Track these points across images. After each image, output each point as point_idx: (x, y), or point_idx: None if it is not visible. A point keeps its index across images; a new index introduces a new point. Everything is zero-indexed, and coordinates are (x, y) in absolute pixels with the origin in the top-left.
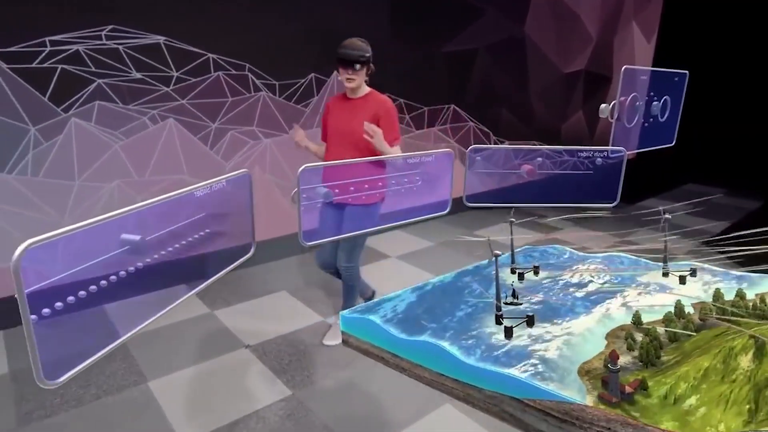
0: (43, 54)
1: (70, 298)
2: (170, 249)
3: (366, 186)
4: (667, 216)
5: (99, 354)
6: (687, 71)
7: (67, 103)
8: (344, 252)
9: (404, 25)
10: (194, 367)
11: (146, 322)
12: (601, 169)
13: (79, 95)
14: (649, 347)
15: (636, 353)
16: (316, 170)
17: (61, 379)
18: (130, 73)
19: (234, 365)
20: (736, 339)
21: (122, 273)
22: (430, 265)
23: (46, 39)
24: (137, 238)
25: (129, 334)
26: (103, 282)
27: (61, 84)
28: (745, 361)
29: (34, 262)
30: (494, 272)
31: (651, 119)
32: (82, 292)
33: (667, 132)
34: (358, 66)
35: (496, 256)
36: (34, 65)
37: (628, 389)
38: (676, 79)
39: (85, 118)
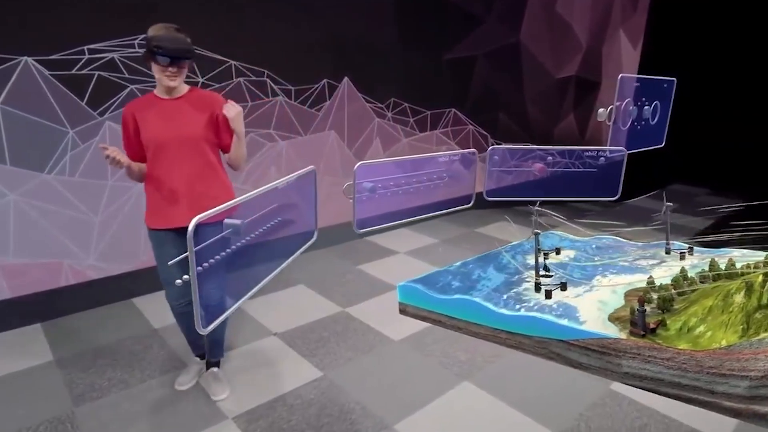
0: (82, 61)
1: (198, 268)
2: (255, 234)
3: (403, 181)
4: (668, 204)
5: (227, 312)
6: (675, 78)
7: (102, 107)
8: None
9: (409, 34)
10: (230, 353)
11: (255, 289)
12: (603, 168)
13: (113, 100)
14: (665, 298)
15: (654, 304)
16: (370, 167)
17: (209, 327)
18: None
19: (266, 351)
20: (731, 284)
21: (226, 251)
22: (437, 260)
23: (85, 47)
24: (239, 222)
25: (244, 298)
26: (217, 256)
27: (98, 89)
28: (739, 298)
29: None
30: (533, 248)
31: (643, 122)
32: (205, 264)
33: (658, 134)
34: (184, 62)
35: (536, 233)
36: (73, 72)
37: (652, 325)
38: (665, 85)
39: (118, 122)
